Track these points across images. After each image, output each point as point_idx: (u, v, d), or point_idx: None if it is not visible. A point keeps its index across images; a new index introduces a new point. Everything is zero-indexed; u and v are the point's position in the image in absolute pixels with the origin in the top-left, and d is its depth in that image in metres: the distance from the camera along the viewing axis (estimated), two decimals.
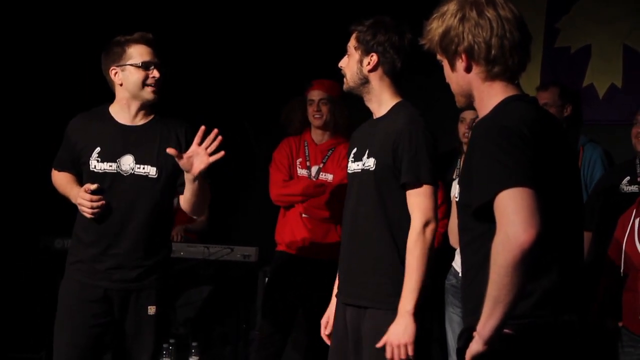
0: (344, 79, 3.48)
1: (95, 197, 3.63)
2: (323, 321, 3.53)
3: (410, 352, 3.16)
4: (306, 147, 5.03)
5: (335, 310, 3.49)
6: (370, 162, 3.37)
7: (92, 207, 3.63)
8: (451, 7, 2.38)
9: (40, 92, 5.91)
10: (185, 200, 3.73)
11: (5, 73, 5.79)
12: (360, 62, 3.41)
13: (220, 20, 6.59)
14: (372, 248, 3.34)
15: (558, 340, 2.28)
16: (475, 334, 2.22)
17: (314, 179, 4.97)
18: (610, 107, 5.56)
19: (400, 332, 3.17)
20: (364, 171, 3.39)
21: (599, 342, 3.93)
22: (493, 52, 2.35)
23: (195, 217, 3.86)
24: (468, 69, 2.39)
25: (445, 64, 2.44)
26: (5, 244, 5.70)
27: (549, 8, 5.79)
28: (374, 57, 3.40)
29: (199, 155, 3.56)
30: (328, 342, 3.51)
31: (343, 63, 3.48)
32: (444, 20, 2.38)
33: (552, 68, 5.70)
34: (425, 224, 3.25)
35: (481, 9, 2.35)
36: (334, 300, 3.52)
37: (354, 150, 3.50)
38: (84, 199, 3.63)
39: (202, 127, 3.57)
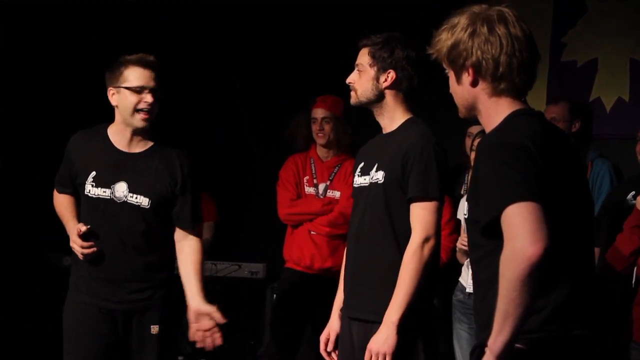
0: (352, 94, 3.45)
1: (86, 244, 3.63)
2: (323, 337, 3.52)
3: None
4: (312, 165, 5.03)
5: (341, 326, 3.47)
6: (379, 175, 3.36)
7: (82, 254, 3.65)
8: (462, 21, 2.37)
9: (51, 109, 5.91)
10: (177, 259, 3.80)
11: (16, 93, 5.80)
12: (377, 79, 3.39)
13: (225, 35, 6.60)
14: (379, 262, 3.33)
15: (569, 355, 2.27)
16: (486, 349, 2.21)
17: (321, 197, 4.96)
18: (617, 121, 5.55)
19: (381, 341, 3.18)
20: (372, 184, 3.38)
21: (608, 357, 3.92)
22: (500, 69, 2.34)
23: None
24: (474, 84, 2.38)
25: (451, 76, 2.44)
26: (13, 262, 5.70)
27: (555, 22, 5.79)
28: (392, 74, 3.38)
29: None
30: (328, 358, 3.50)
31: (353, 79, 3.44)
32: (454, 33, 2.37)
33: (559, 82, 5.69)
34: (425, 240, 3.24)
35: (492, 25, 2.34)
36: (334, 316, 3.51)
37: (361, 164, 3.48)
38: (75, 243, 3.65)
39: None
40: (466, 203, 2.40)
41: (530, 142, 2.23)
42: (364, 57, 3.42)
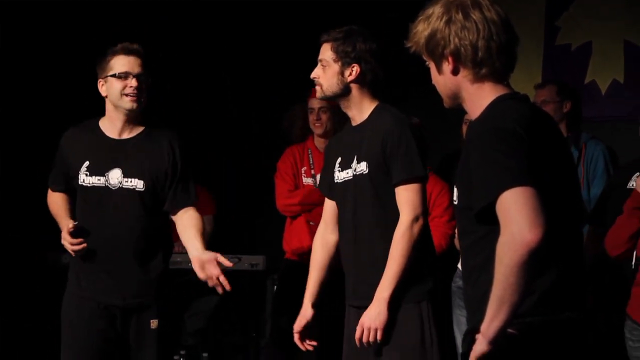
0: (318, 88, 3.51)
1: (75, 241, 3.64)
2: (296, 325, 3.59)
3: (379, 337, 3.29)
4: (310, 155, 5.03)
5: (346, 318, 3.55)
6: (362, 166, 3.41)
7: (73, 250, 3.66)
8: (437, 10, 2.37)
9: (51, 109, 5.90)
10: (179, 231, 3.79)
11: (16, 93, 5.80)
12: (341, 73, 3.43)
13: (221, 29, 6.58)
14: (378, 248, 3.40)
15: (561, 339, 2.27)
16: (478, 335, 2.22)
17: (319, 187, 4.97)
18: (612, 103, 5.57)
19: (373, 316, 3.28)
20: (357, 176, 3.43)
21: (603, 338, 3.94)
22: (480, 54, 2.34)
23: None
24: (455, 72, 2.38)
25: (432, 67, 2.43)
26: (12, 260, 5.71)
27: (548, 6, 5.81)
28: (356, 68, 3.43)
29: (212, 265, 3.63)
30: (301, 346, 3.59)
31: (317, 74, 3.49)
32: (430, 23, 2.37)
33: (553, 66, 5.71)
34: (415, 219, 3.32)
35: (467, 11, 2.34)
36: (307, 305, 3.60)
37: (339, 159, 3.52)
38: (65, 240, 3.67)
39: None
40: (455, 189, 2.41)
41: (519, 126, 2.23)
42: (326, 52, 3.47)
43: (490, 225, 2.21)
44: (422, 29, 2.39)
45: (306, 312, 3.59)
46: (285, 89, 6.15)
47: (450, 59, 2.36)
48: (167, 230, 3.86)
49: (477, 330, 2.23)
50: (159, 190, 3.74)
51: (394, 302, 3.30)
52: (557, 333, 2.27)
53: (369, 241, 3.42)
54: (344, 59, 3.42)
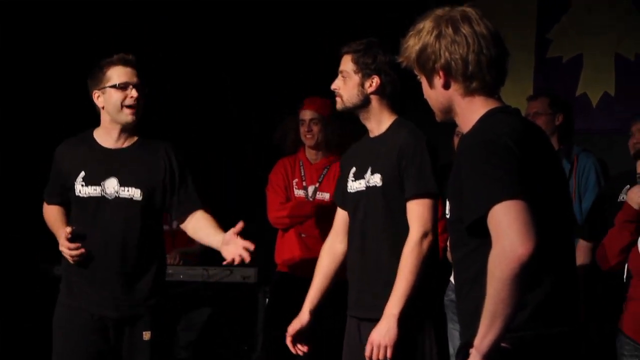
0: (338, 100, 3.55)
1: (73, 246, 3.63)
2: (290, 328, 3.59)
3: (389, 355, 3.27)
4: (301, 167, 5.03)
5: (347, 329, 3.57)
6: (376, 178, 3.45)
7: (71, 256, 3.65)
8: (427, 25, 2.39)
9: (51, 111, 5.90)
10: (193, 234, 3.81)
11: (16, 94, 5.79)
12: (362, 84, 3.48)
13: (221, 29, 6.58)
14: (386, 261, 3.42)
15: (553, 353, 2.27)
16: (472, 350, 2.22)
17: (310, 199, 4.96)
18: (603, 116, 5.59)
19: (382, 333, 3.27)
20: (370, 188, 3.47)
21: (596, 349, 3.94)
22: (470, 68, 2.35)
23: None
24: (446, 86, 2.40)
25: (423, 81, 2.45)
26: (4, 270, 5.69)
27: (539, 18, 5.84)
28: (376, 79, 3.48)
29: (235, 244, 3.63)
30: (292, 349, 3.59)
31: (337, 85, 3.53)
32: (421, 37, 2.39)
33: (545, 78, 5.74)
34: (424, 235, 3.34)
35: (457, 25, 2.36)
36: (304, 310, 3.61)
37: (353, 169, 3.54)
38: (63, 246, 3.65)
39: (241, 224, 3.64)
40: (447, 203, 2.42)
41: (509, 139, 2.24)
42: (347, 64, 3.52)
43: (481, 238, 2.21)
44: (412, 44, 2.41)
45: (303, 317, 3.60)
46: (285, 89, 6.15)
47: (441, 73, 2.38)
48: (161, 241, 3.85)
49: (471, 345, 2.22)
50: (155, 199, 3.73)
51: (403, 318, 3.29)
52: (549, 347, 2.27)
53: (377, 252, 3.45)
54: (364, 70, 3.48)
